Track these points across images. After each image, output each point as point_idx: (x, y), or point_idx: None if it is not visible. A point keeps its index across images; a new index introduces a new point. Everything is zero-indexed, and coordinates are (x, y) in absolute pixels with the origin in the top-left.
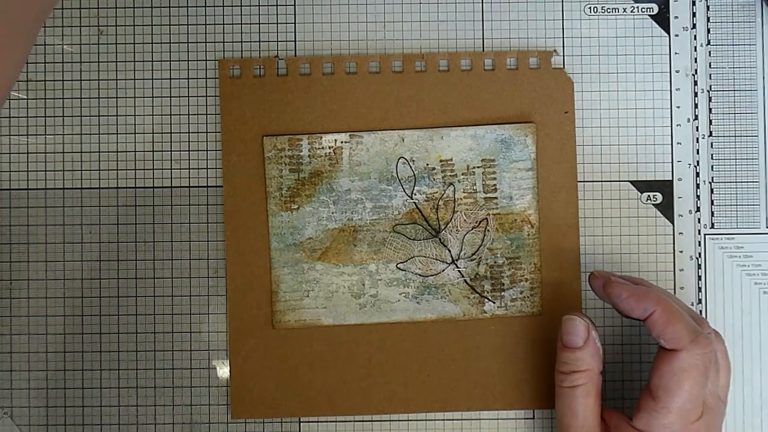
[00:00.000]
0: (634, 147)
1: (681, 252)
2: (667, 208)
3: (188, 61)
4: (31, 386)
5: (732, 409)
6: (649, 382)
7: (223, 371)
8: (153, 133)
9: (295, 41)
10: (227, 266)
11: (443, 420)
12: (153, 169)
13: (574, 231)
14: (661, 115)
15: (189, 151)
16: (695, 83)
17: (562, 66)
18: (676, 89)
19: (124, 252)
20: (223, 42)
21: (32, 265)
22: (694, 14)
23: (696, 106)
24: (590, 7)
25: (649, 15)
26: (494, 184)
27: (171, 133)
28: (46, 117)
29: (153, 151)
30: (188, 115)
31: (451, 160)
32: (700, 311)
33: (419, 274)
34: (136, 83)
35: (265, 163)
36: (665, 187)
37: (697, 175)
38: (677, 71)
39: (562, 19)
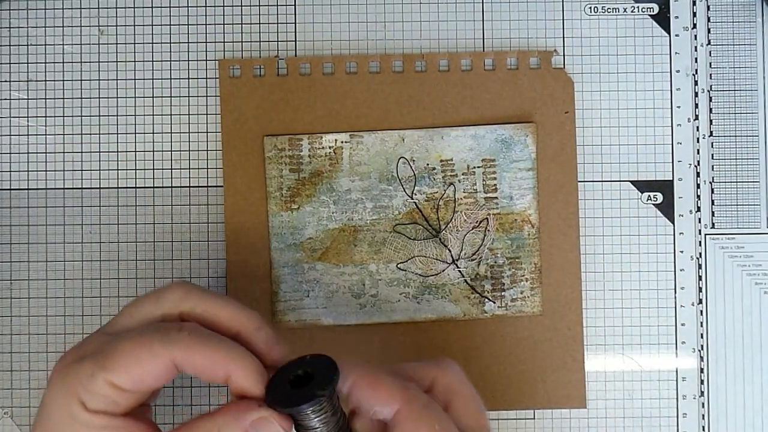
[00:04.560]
0: (634, 147)
1: (681, 252)
2: (667, 208)
3: (188, 61)
4: (31, 386)
5: (732, 409)
6: None
7: None
8: (153, 133)
9: (295, 41)
10: (227, 266)
11: None
12: (153, 169)
13: (574, 231)
14: (661, 114)
15: (189, 151)
16: (696, 83)
17: (562, 66)
18: (677, 89)
19: (124, 252)
20: (223, 42)
21: (32, 265)
22: (694, 14)
23: (696, 106)
24: (590, 7)
25: (650, 15)
26: (494, 184)
27: (171, 133)
28: (46, 117)
29: (153, 151)
30: (188, 115)
31: (452, 160)
32: (701, 311)
33: (419, 274)
34: (136, 83)
35: (265, 163)
36: (666, 187)
37: (698, 175)
38: (678, 71)
39: (563, 19)
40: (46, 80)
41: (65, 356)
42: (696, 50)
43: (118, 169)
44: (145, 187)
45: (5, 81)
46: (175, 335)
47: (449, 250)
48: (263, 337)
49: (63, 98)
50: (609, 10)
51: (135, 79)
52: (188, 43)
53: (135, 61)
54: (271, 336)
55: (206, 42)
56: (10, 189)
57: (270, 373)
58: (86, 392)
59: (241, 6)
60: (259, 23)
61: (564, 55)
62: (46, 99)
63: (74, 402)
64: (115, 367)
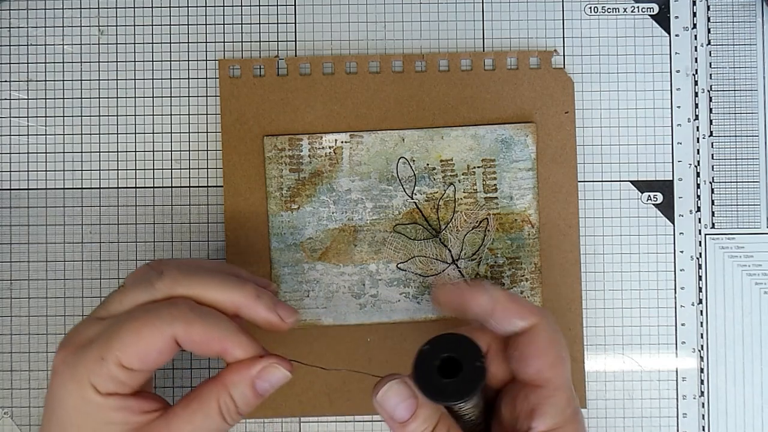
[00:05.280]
0: (634, 147)
1: (681, 252)
2: (667, 208)
3: (188, 61)
4: (31, 386)
5: (732, 409)
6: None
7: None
8: (153, 133)
9: (295, 41)
10: None
11: None
12: (153, 169)
13: (574, 231)
14: (661, 115)
15: (189, 151)
16: (696, 83)
17: (562, 66)
18: (677, 89)
19: (124, 252)
20: (223, 42)
21: (32, 265)
22: (694, 14)
23: (696, 106)
24: (590, 7)
25: (650, 15)
26: (494, 184)
27: (171, 133)
28: (47, 117)
29: (153, 151)
30: (188, 115)
31: (452, 160)
32: (701, 311)
33: (420, 274)
34: (136, 83)
35: (265, 163)
36: (666, 187)
37: (698, 175)
38: (678, 71)
39: (563, 19)
40: (46, 80)
41: (65, 346)
42: (696, 50)
43: (118, 169)
44: (145, 187)
45: (5, 81)
46: (176, 312)
47: (449, 250)
48: (264, 305)
49: (63, 98)
50: (609, 10)
51: (135, 79)
52: (188, 43)
53: (135, 61)
54: (271, 301)
55: (206, 42)
56: (10, 189)
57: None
58: (96, 376)
59: (241, 6)
60: (259, 23)
61: (564, 55)
62: (46, 99)
63: (86, 387)
64: (123, 348)
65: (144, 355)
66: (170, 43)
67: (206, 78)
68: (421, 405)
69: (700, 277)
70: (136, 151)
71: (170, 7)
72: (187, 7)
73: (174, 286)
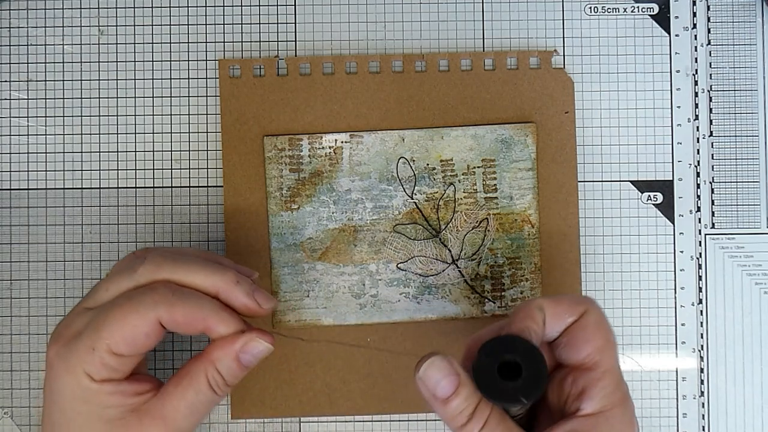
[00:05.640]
0: (634, 147)
1: (681, 252)
2: (667, 208)
3: (188, 61)
4: (31, 386)
5: (732, 409)
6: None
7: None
8: (153, 133)
9: (295, 41)
10: None
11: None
12: (153, 169)
13: (574, 231)
14: (661, 115)
15: (189, 151)
16: (696, 83)
17: (562, 66)
18: (677, 89)
19: (124, 252)
20: (223, 42)
21: (32, 265)
22: (694, 14)
23: (696, 106)
24: (590, 7)
25: (650, 15)
26: (494, 184)
27: (171, 133)
28: (47, 117)
29: (153, 151)
30: (188, 115)
31: (452, 160)
32: (701, 311)
33: (419, 274)
34: (136, 83)
35: (265, 163)
36: (666, 187)
37: (698, 175)
38: (677, 71)
39: (563, 19)
40: (46, 80)
41: (56, 338)
42: (696, 50)
43: (118, 169)
44: (145, 187)
45: (5, 81)
46: (157, 296)
47: (449, 250)
48: (242, 290)
49: (63, 98)
50: (609, 10)
51: (135, 79)
52: (188, 43)
53: (135, 61)
54: (250, 287)
55: (206, 42)
56: (10, 189)
57: None
58: (89, 365)
59: (241, 6)
60: (259, 23)
61: (564, 55)
62: (46, 99)
63: (81, 376)
64: (111, 336)
65: (132, 341)
66: (170, 43)
67: (206, 78)
68: (463, 383)
69: (700, 277)
70: (136, 151)
71: (170, 7)
72: (187, 7)
73: (157, 271)
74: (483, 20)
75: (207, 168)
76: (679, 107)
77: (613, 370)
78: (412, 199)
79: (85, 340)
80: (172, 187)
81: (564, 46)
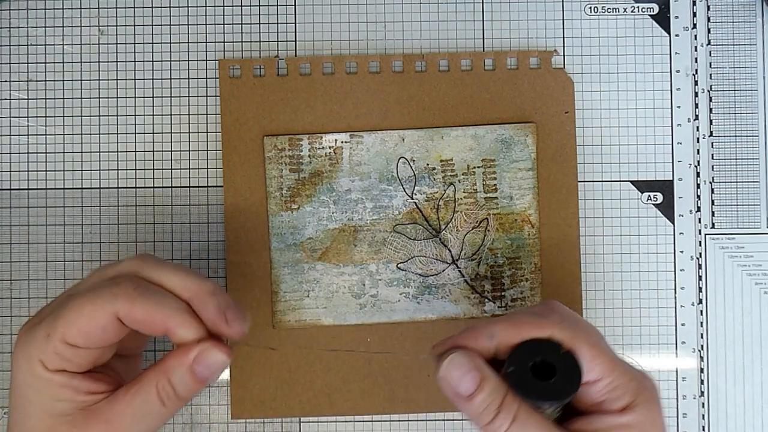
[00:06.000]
0: (634, 147)
1: (681, 252)
2: (667, 208)
3: (188, 61)
4: None
5: (733, 409)
6: None
7: (223, 371)
8: (153, 133)
9: (295, 41)
10: (227, 266)
11: (443, 420)
12: (153, 169)
13: (574, 231)
14: (661, 115)
15: (189, 151)
16: (696, 83)
17: (562, 66)
18: (677, 89)
19: (124, 252)
20: (223, 42)
21: (32, 265)
22: (694, 14)
23: (696, 106)
24: (590, 7)
25: (650, 15)
26: (494, 184)
27: (171, 133)
28: (47, 117)
29: (153, 151)
30: (188, 115)
31: (452, 160)
32: (701, 311)
33: (419, 274)
34: (136, 83)
35: (265, 163)
36: (666, 187)
37: (698, 175)
38: (677, 71)
39: (563, 19)
40: (46, 80)
41: (27, 323)
42: (696, 50)
43: (118, 169)
44: (145, 187)
45: (5, 81)
46: (117, 290)
47: (449, 250)
48: (215, 302)
49: (63, 98)
50: (609, 10)
51: (135, 79)
52: (188, 43)
53: (135, 61)
54: (224, 302)
55: (206, 42)
56: (10, 189)
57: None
58: (43, 353)
59: (241, 6)
60: (259, 23)
61: (564, 55)
62: (46, 99)
63: (35, 363)
64: (66, 325)
65: (87, 333)
66: (170, 43)
67: (206, 78)
68: (486, 378)
69: (700, 277)
70: (136, 151)
71: (170, 7)
72: (187, 7)
73: (137, 266)
74: (483, 20)
75: (207, 168)
76: (679, 107)
77: (614, 365)
78: (412, 199)
79: (44, 327)
80: (172, 187)
81: (564, 46)
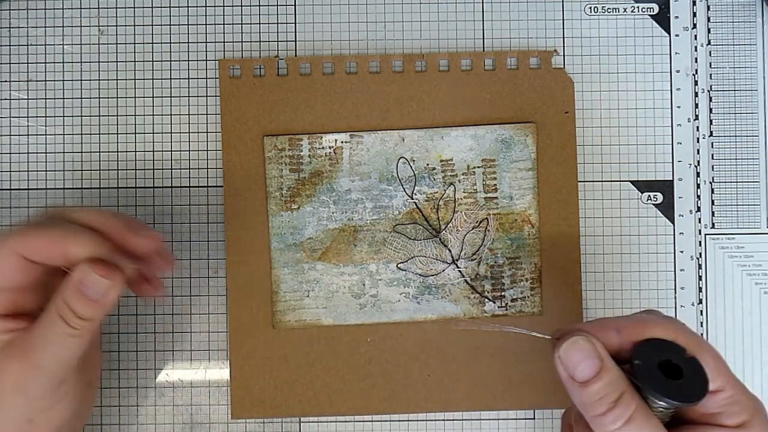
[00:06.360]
0: (634, 147)
1: (681, 252)
2: (667, 208)
3: (188, 61)
4: None
5: None
6: None
7: (223, 371)
8: (153, 133)
9: (295, 41)
10: (227, 266)
11: (443, 420)
12: (153, 169)
13: (574, 231)
14: (661, 115)
15: (189, 151)
16: (696, 83)
17: (562, 66)
18: (677, 89)
19: None
20: (223, 42)
21: None
22: (694, 14)
23: (696, 106)
24: (590, 7)
25: (650, 15)
26: (494, 184)
27: (171, 133)
28: (47, 117)
29: (153, 151)
30: (188, 115)
31: (452, 160)
32: (701, 311)
33: (419, 274)
34: (136, 83)
35: (265, 163)
36: (666, 187)
37: (698, 175)
38: (677, 71)
39: (563, 19)
40: (46, 80)
41: None
42: (696, 50)
43: (118, 169)
44: (145, 187)
45: (5, 81)
46: (15, 229)
47: (449, 250)
48: (121, 218)
49: (63, 98)
50: (609, 10)
51: (135, 79)
52: (188, 43)
53: (135, 61)
54: (131, 219)
55: (206, 42)
56: (10, 189)
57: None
58: None
59: (241, 6)
60: (259, 23)
61: (564, 55)
62: (46, 99)
63: None
64: None
65: None
66: (170, 43)
67: (206, 78)
68: (606, 368)
69: (700, 277)
70: (136, 151)
71: (170, 7)
72: (187, 7)
73: (58, 213)
74: (483, 20)
75: (207, 168)
76: (679, 107)
77: (736, 380)
78: (412, 199)
79: None
80: (172, 187)
81: (564, 46)
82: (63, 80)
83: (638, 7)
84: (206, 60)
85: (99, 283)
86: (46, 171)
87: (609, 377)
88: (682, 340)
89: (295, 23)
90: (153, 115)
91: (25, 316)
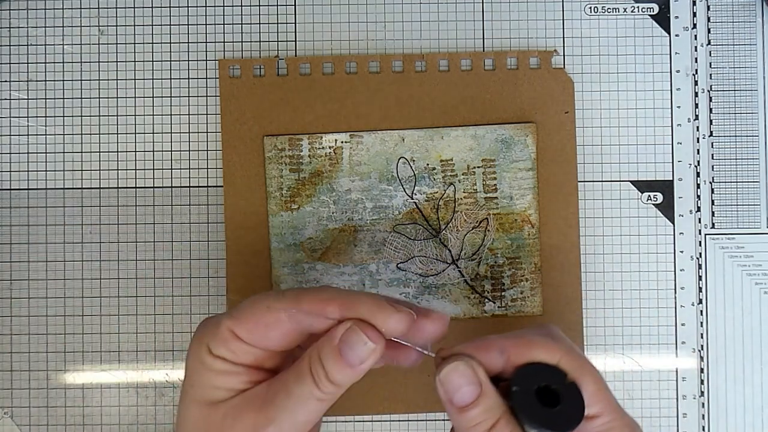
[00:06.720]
0: (634, 147)
1: (681, 252)
2: (667, 208)
3: (188, 61)
4: (31, 386)
5: (733, 409)
6: None
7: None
8: (153, 133)
9: (295, 41)
10: (227, 266)
11: (443, 420)
12: (153, 169)
13: (574, 231)
14: (661, 115)
15: (189, 151)
16: (696, 83)
17: (562, 66)
18: (677, 89)
19: (124, 252)
20: (223, 42)
21: (32, 265)
22: (694, 14)
23: (696, 106)
24: (590, 7)
25: (650, 15)
26: (494, 184)
27: (171, 133)
28: (47, 117)
29: (153, 151)
30: (188, 115)
31: (452, 160)
32: (701, 311)
33: (419, 274)
34: (136, 83)
35: (265, 163)
36: (666, 187)
37: (698, 175)
38: (677, 71)
39: (563, 19)
40: (46, 80)
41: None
42: (696, 50)
43: (118, 169)
44: (145, 187)
45: (5, 81)
46: (288, 292)
47: (449, 250)
48: (396, 307)
49: (63, 98)
50: (609, 10)
51: (135, 79)
52: (188, 43)
53: (135, 61)
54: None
55: (206, 42)
56: (10, 189)
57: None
58: (212, 338)
59: (241, 6)
60: (259, 23)
61: (564, 55)
62: (46, 99)
63: (203, 347)
64: (237, 317)
65: (252, 329)
66: (170, 43)
67: (206, 78)
68: (485, 393)
69: (700, 277)
70: (136, 151)
71: (170, 7)
72: (187, 7)
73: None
74: (483, 20)
75: (207, 168)
76: (679, 107)
77: (614, 405)
78: (412, 199)
79: (219, 316)
80: (172, 187)
81: (564, 46)
82: (63, 80)
83: (638, 7)
84: (206, 60)
85: (363, 346)
86: (46, 171)
87: (487, 404)
88: (565, 363)
89: (295, 23)
90: (153, 115)
91: (265, 371)
